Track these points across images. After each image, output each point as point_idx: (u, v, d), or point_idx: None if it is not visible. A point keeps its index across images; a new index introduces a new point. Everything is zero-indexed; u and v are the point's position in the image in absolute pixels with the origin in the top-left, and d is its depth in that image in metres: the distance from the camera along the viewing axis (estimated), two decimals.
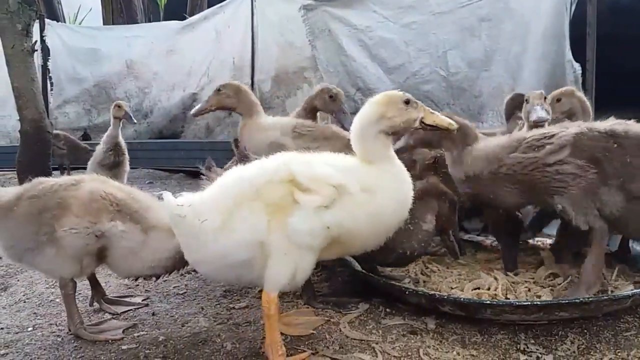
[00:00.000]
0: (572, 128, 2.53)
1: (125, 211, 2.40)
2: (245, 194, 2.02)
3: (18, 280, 3.30)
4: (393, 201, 2.08)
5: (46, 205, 2.34)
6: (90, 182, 2.47)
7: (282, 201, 1.98)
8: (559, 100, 3.45)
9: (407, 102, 2.11)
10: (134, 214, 2.41)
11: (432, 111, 2.16)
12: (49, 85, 9.92)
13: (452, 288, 2.73)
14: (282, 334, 2.38)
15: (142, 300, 2.90)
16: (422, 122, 2.14)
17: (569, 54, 6.57)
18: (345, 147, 2.26)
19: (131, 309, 2.78)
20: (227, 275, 2.17)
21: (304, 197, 1.96)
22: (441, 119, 2.16)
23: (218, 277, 2.38)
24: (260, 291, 2.80)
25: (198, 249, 2.08)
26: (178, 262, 2.42)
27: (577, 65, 6.54)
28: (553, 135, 2.54)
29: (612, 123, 2.54)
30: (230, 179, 2.14)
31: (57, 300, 2.91)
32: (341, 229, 2.00)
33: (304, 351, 2.24)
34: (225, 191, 2.09)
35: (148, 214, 2.45)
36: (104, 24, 14.06)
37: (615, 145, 2.43)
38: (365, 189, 2.02)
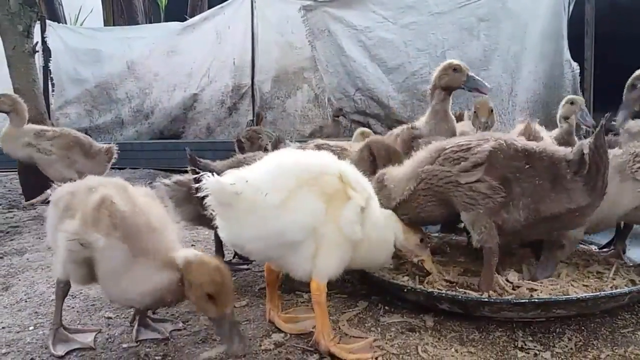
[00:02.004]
0: (490, 142, 2.47)
1: (121, 227, 2.08)
2: (305, 177, 2.10)
3: (19, 280, 3.32)
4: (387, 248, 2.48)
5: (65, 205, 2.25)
6: (109, 187, 2.24)
7: (336, 193, 2.13)
8: None
9: None
10: (130, 232, 2.08)
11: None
12: (50, 86, 9.96)
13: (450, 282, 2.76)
14: (280, 332, 2.41)
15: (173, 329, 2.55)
16: None
17: (567, 54, 6.60)
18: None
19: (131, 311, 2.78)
20: (273, 254, 2.17)
21: (355, 194, 2.16)
22: None
23: (263, 255, 2.27)
24: (261, 289, 2.80)
25: (254, 225, 2.04)
26: (169, 297, 2.06)
27: (575, 65, 6.56)
28: (469, 149, 2.48)
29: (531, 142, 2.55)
30: (288, 160, 2.20)
31: None
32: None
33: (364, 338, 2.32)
34: (285, 171, 2.13)
35: (149, 237, 2.09)
36: (104, 25, 14.11)
37: (527, 166, 2.41)
38: (376, 214, 2.36)
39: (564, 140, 3.93)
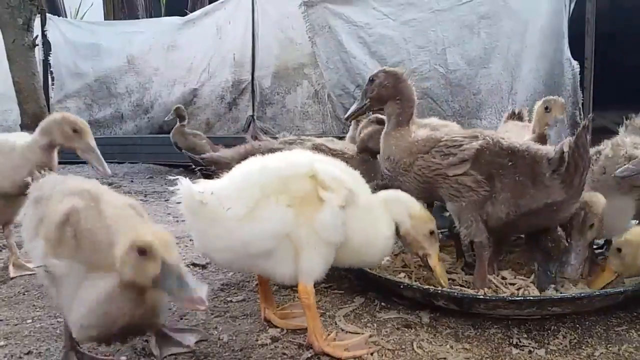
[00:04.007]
0: (479, 140, 2.57)
1: (83, 246, 1.86)
2: (271, 185, 2.09)
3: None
4: (384, 238, 2.34)
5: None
6: (76, 197, 2.01)
7: (307, 196, 2.10)
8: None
9: None
10: (88, 250, 1.85)
11: None
12: (50, 79, 9.94)
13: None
14: (276, 327, 2.43)
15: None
16: None
17: (567, 52, 6.59)
18: None
19: None
20: (244, 264, 2.21)
21: (329, 195, 2.10)
22: None
23: (233, 266, 2.35)
24: (257, 285, 2.82)
25: (219, 237, 2.09)
26: (115, 311, 1.79)
27: (575, 63, 6.56)
28: (460, 145, 2.58)
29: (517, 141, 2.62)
30: (255, 168, 2.20)
31: None
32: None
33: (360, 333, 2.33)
34: (250, 180, 2.13)
35: (107, 253, 1.80)
36: (105, 19, 14.07)
37: (510, 164, 2.51)
38: (369, 210, 2.28)
39: None
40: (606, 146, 2.85)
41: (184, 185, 2.08)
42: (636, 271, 2.47)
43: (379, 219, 2.33)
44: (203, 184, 2.14)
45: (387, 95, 2.79)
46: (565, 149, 2.39)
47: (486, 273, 2.61)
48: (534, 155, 2.51)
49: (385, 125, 2.86)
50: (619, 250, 2.46)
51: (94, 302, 1.78)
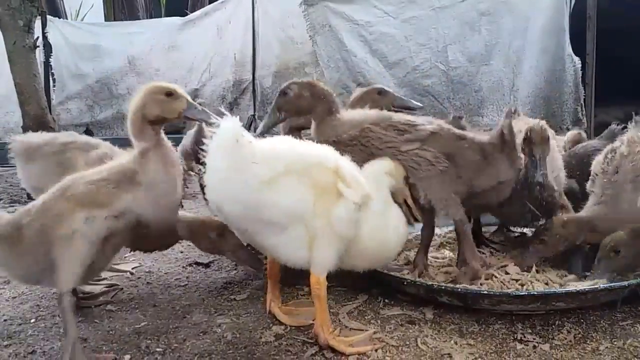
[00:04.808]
0: (433, 124, 2.71)
1: None
2: (295, 166, 2.08)
3: None
4: (395, 242, 2.37)
5: None
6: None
7: (328, 187, 2.10)
8: None
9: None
10: None
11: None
12: (51, 81, 9.95)
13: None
14: (280, 324, 2.42)
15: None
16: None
17: (568, 48, 6.59)
18: None
19: (133, 304, 2.80)
20: (250, 227, 2.13)
21: (348, 191, 2.11)
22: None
23: (240, 225, 2.20)
24: (260, 282, 2.81)
25: (237, 187, 2.03)
26: None
27: (577, 59, 6.55)
28: (415, 126, 2.67)
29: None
30: (284, 146, 2.19)
31: None
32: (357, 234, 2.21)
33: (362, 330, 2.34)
34: (277, 154, 2.10)
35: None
36: (105, 20, 14.09)
37: (466, 146, 2.69)
38: (382, 215, 2.30)
39: None
40: (621, 143, 2.81)
41: (229, 119, 2.02)
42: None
43: (389, 218, 2.36)
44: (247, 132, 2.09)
45: (307, 105, 2.75)
46: (506, 131, 2.68)
47: (474, 248, 2.72)
48: (480, 142, 2.73)
49: (313, 121, 2.81)
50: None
51: None
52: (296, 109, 2.78)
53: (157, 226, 2.32)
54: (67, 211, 2.09)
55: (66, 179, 2.23)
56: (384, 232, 2.31)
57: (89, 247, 2.09)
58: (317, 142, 2.54)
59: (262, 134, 2.92)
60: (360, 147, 2.64)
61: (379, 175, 2.40)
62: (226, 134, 2.00)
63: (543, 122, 3.12)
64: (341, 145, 2.61)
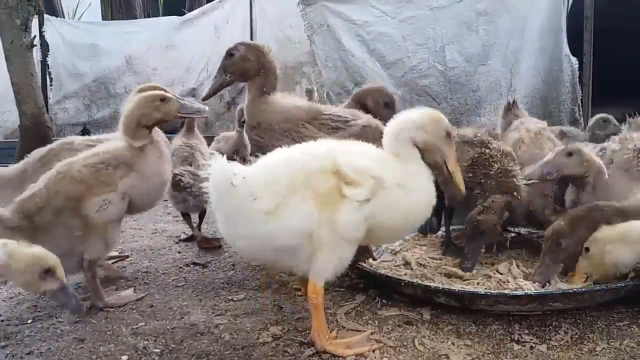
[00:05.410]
0: (363, 119, 2.79)
1: None
2: (297, 181, 2.04)
3: None
4: (425, 200, 2.19)
5: None
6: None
7: (330, 192, 2.03)
8: None
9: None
10: None
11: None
12: (48, 80, 9.92)
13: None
14: (277, 325, 2.42)
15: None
16: None
17: (566, 48, 6.61)
18: None
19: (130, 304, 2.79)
20: (266, 257, 2.17)
21: (351, 191, 2.03)
22: None
23: (256, 256, 2.25)
24: (257, 281, 2.82)
25: (244, 226, 2.04)
26: None
27: (574, 60, 6.56)
28: (347, 121, 2.75)
29: None
30: (282, 161, 2.14)
31: None
32: (375, 221, 2.10)
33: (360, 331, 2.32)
34: (277, 173, 2.07)
35: None
36: (103, 19, 14.04)
37: None
38: (400, 184, 2.12)
39: None
40: (612, 141, 2.91)
41: (218, 161, 1.99)
42: (604, 271, 2.44)
43: (410, 183, 2.15)
44: (239, 166, 2.06)
45: (251, 68, 2.76)
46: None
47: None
48: None
49: (248, 93, 2.83)
50: (587, 249, 2.46)
51: None
52: (241, 71, 2.80)
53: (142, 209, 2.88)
54: (86, 194, 2.47)
55: (64, 162, 2.57)
56: (406, 203, 2.13)
57: (114, 225, 2.59)
58: (247, 125, 2.75)
59: (208, 97, 3.03)
60: (292, 141, 2.63)
61: (400, 133, 2.19)
62: (219, 177, 2.00)
63: (544, 124, 3.14)
64: (273, 134, 2.67)
